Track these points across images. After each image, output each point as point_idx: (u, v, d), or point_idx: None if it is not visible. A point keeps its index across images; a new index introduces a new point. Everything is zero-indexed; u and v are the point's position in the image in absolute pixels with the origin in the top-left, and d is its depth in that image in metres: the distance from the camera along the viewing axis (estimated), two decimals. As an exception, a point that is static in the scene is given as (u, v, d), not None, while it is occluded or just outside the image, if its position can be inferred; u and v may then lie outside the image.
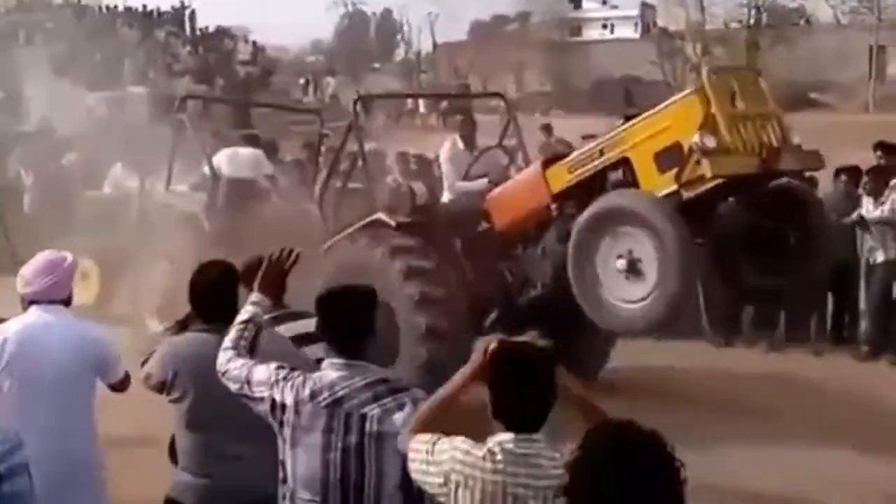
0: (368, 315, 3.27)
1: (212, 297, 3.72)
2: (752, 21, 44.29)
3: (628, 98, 35.20)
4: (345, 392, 3.12)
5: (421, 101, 32.47)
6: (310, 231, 8.64)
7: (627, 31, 55.19)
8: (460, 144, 8.01)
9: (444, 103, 31.24)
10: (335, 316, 3.24)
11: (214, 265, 3.83)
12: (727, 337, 9.61)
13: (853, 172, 9.41)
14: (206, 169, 9.92)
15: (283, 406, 3.15)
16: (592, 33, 55.60)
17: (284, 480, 3.21)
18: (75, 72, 23.73)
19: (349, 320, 3.22)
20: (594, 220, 6.21)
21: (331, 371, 3.18)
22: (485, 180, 7.62)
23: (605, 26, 57.16)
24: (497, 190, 7.35)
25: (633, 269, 6.04)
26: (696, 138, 5.84)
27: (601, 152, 6.53)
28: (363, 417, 3.09)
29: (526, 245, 7.24)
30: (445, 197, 7.97)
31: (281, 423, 3.17)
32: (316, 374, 3.19)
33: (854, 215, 9.03)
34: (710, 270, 6.85)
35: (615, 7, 58.73)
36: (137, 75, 26.48)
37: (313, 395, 3.13)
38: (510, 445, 2.62)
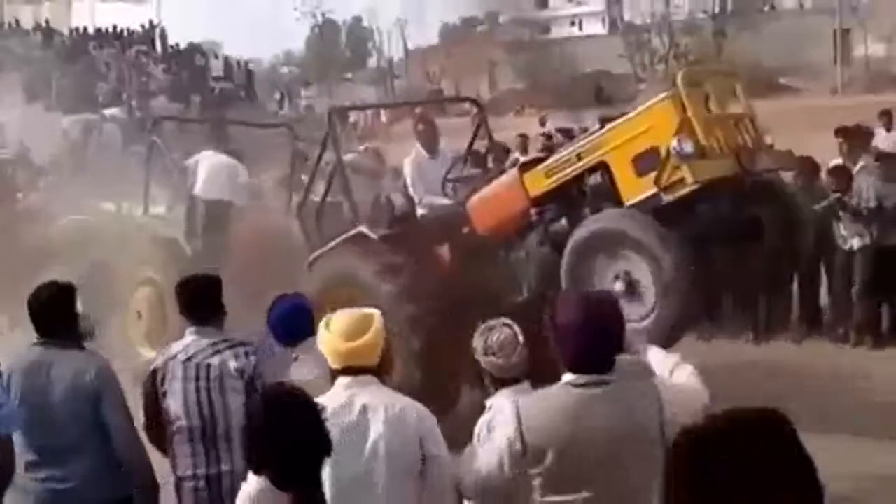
0: (214, 296, 4.32)
1: (45, 313, 4.22)
2: (716, 10, 44.69)
3: (599, 93, 35.39)
4: (195, 350, 4.20)
5: (385, 110, 32.69)
6: (290, 247, 8.71)
7: (595, 27, 55.48)
8: (424, 153, 8.03)
9: (419, 109, 31.28)
10: (188, 298, 4.29)
11: (48, 285, 4.31)
12: (710, 330, 9.61)
13: (809, 165, 9.45)
14: (185, 192, 9.95)
15: (156, 368, 4.23)
16: (562, 31, 55.86)
17: (169, 421, 4.24)
18: (49, 96, 23.68)
19: (197, 301, 4.28)
20: (590, 241, 6.16)
21: (188, 337, 4.26)
22: (448, 202, 7.67)
23: (573, 23, 57.44)
24: (476, 196, 7.35)
25: (631, 290, 6.01)
26: (674, 143, 5.84)
27: (579, 157, 6.51)
28: (208, 367, 4.16)
29: (509, 250, 7.25)
30: (419, 210, 7.97)
31: (162, 382, 4.20)
32: (178, 341, 4.27)
33: (824, 203, 9.08)
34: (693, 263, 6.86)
35: (581, 3, 59.00)
36: (111, 96, 26.39)
37: (174, 355, 4.21)
38: None
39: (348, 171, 8.35)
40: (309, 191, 8.54)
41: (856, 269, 9.17)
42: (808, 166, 9.45)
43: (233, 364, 4.16)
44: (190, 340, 4.24)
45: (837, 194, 9.06)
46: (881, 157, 9.72)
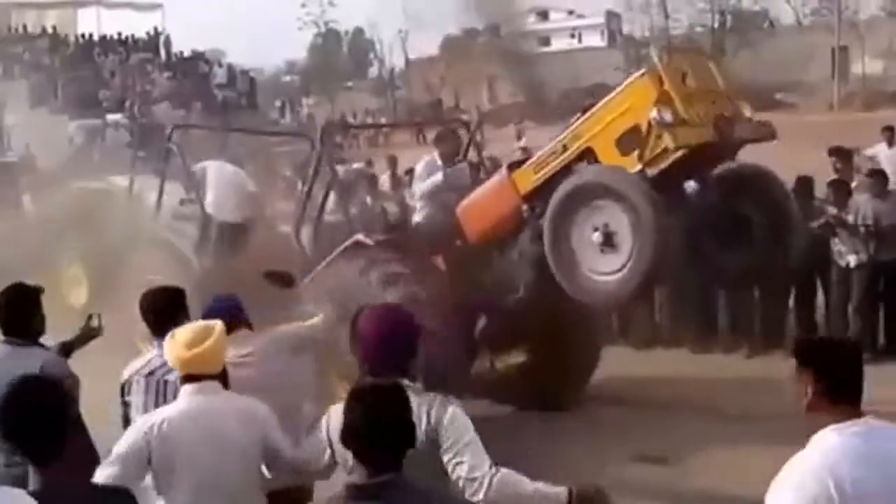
0: (176, 310, 4.33)
1: (6, 312, 4.47)
2: (715, 25, 44.93)
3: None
4: (156, 365, 4.26)
5: (386, 119, 32.89)
6: (296, 262, 8.81)
7: (594, 40, 55.72)
8: (438, 161, 8.13)
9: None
10: (151, 314, 4.35)
11: (15, 286, 4.56)
12: (706, 343, 9.75)
13: (805, 183, 9.51)
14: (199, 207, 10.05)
15: (124, 383, 4.33)
16: (561, 43, 56.10)
17: None
18: (54, 101, 23.77)
19: (158, 315, 4.32)
20: (573, 194, 6.30)
21: (153, 350, 4.30)
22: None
23: (572, 36, 57.71)
24: (466, 200, 7.45)
25: (609, 242, 6.17)
26: (653, 113, 6.01)
27: (564, 147, 6.67)
28: (166, 383, 4.22)
29: (502, 250, 7.35)
30: (415, 216, 8.14)
31: (127, 395, 4.32)
32: (144, 356, 4.35)
33: (821, 220, 9.10)
34: (683, 258, 6.80)
35: (581, 16, 59.28)
36: (116, 103, 26.55)
37: (137, 371, 4.32)
38: None
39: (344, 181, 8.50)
40: (305, 207, 8.58)
41: (853, 285, 9.21)
42: (804, 185, 9.56)
43: None
44: (154, 354, 4.31)
45: (834, 210, 9.16)
46: (873, 173, 9.83)
